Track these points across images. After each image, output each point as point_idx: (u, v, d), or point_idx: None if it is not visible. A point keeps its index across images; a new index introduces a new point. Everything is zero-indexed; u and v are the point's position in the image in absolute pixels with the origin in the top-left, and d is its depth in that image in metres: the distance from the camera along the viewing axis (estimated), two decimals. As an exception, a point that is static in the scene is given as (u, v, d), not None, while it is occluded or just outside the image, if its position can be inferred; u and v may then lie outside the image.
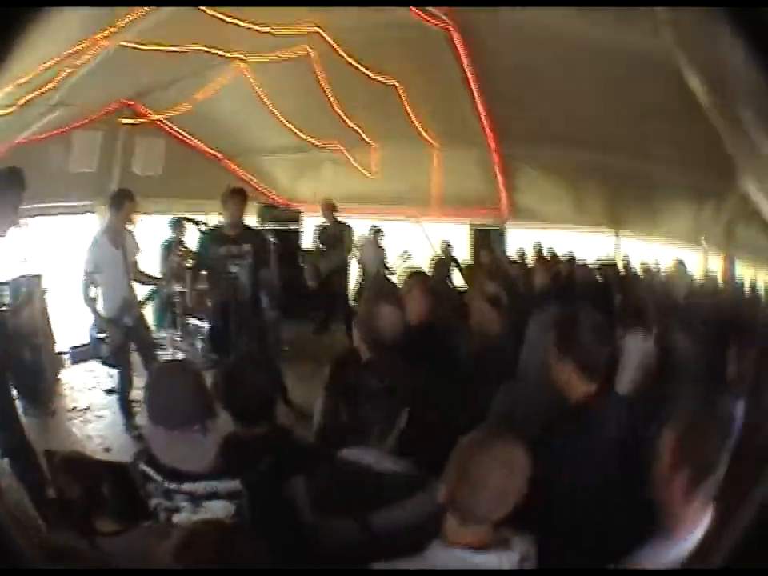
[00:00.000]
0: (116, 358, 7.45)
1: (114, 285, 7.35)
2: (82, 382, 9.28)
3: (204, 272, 8.19)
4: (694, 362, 5.19)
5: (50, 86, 8.25)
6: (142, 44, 8.30)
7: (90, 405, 8.49)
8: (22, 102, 8.10)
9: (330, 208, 11.20)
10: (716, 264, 10.83)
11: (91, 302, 7.28)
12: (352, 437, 3.16)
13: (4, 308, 7.59)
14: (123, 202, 7.29)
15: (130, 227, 7.51)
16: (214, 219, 8.11)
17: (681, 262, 10.68)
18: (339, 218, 11.35)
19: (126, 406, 7.47)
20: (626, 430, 3.21)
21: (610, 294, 7.52)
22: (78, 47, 7.72)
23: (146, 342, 7.74)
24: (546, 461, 3.05)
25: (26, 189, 5.39)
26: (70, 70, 8.20)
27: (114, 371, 7.80)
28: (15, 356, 7.87)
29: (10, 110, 8.04)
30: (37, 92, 8.15)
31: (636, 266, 11.72)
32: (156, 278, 8.31)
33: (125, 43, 8.15)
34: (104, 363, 7.68)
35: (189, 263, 8.79)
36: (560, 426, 3.30)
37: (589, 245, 12.24)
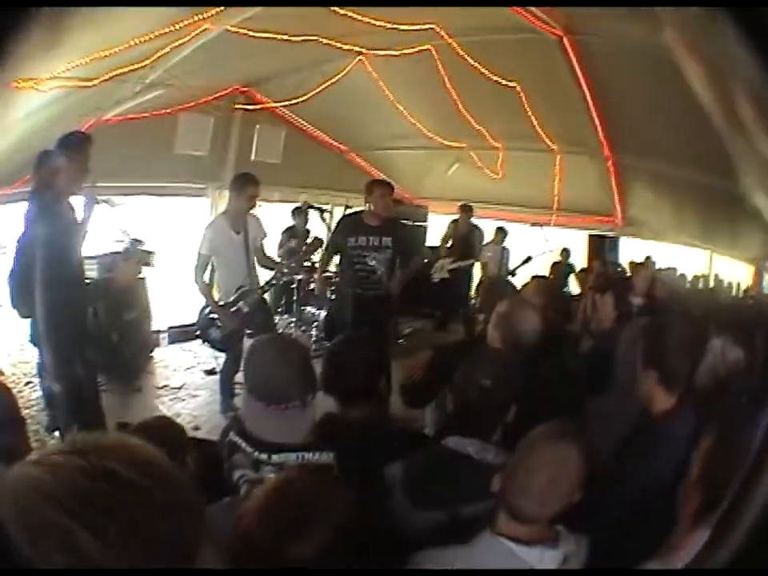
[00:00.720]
0: (227, 343, 7.32)
1: (231, 270, 7.27)
2: (178, 362, 9.37)
3: (335, 258, 7.88)
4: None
5: (145, 62, 8.18)
6: (251, 30, 8.23)
7: (185, 384, 8.54)
8: (106, 76, 8.00)
9: (467, 211, 11.23)
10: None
11: (204, 284, 7.23)
12: (458, 426, 3.08)
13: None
14: (246, 186, 7.15)
15: (252, 212, 7.41)
16: (340, 211, 7.99)
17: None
18: (473, 220, 11.34)
19: (229, 387, 7.42)
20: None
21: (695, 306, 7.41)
22: (175, 27, 7.63)
23: (265, 327, 7.36)
24: (616, 472, 3.02)
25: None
26: (166, 50, 8.14)
27: (221, 354, 7.70)
28: (102, 330, 8.02)
29: (91, 83, 7.91)
30: (127, 68, 8.09)
31: (723, 280, 12.08)
32: (283, 263, 8.12)
33: (233, 28, 8.10)
34: (213, 346, 7.57)
35: (316, 249, 8.72)
36: (636, 442, 3.36)
37: (688, 259, 12.40)
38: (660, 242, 12.68)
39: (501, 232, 12.41)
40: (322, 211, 7.65)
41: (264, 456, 2.80)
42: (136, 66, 8.17)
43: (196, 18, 7.61)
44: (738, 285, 11.95)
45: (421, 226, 13.27)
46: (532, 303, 4.48)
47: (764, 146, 1.49)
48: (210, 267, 7.31)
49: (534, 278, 6.08)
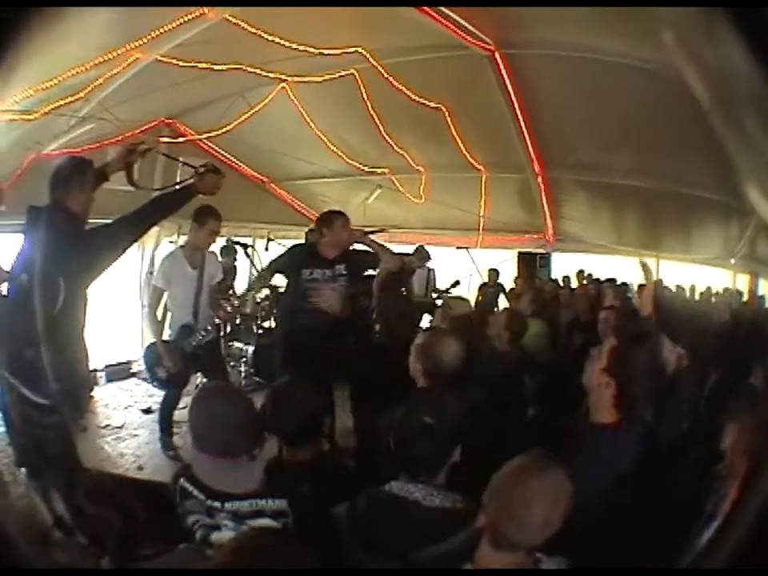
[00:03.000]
0: (170, 383, 6.96)
1: (180, 305, 6.93)
2: (117, 401, 9.21)
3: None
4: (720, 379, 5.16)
5: (79, 95, 8.06)
6: (179, 60, 8.13)
7: (125, 423, 8.39)
8: (46, 109, 7.86)
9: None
10: (743, 282, 11.18)
11: (155, 319, 6.91)
12: (401, 468, 2.94)
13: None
14: (207, 219, 6.77)
15: (211, 248, 7.14)
16: (261, 243, 7.81)
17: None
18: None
19: (167, 426, 7.16)
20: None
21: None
22: (108, 57, 7.56)
23: (213, 369, 7.17)
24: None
25: None
26: (99, 81, 8.03)
27: (160, 391, 7.38)
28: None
29: (32, 116, 7.79)
30: (63, 101, 7.97)
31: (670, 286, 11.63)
32: (228, 304, 7.32)
33: (161, 58, 7.98)
34: (155, 384, 7.20)
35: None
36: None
37: (630, 269, 12.17)
38: (596, 254, 12.82)
39: (418, 250, 11.93)
40: (245, 247, 7.37)
41: (217, 504, 2.78)
42: (71, 99, 8.03)
43: (127, 48, 7.55)
44: (694, 288, 11.76)
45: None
46: (452, 332, 4.44)
47: (764, 147, 1.45)
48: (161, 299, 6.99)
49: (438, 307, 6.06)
